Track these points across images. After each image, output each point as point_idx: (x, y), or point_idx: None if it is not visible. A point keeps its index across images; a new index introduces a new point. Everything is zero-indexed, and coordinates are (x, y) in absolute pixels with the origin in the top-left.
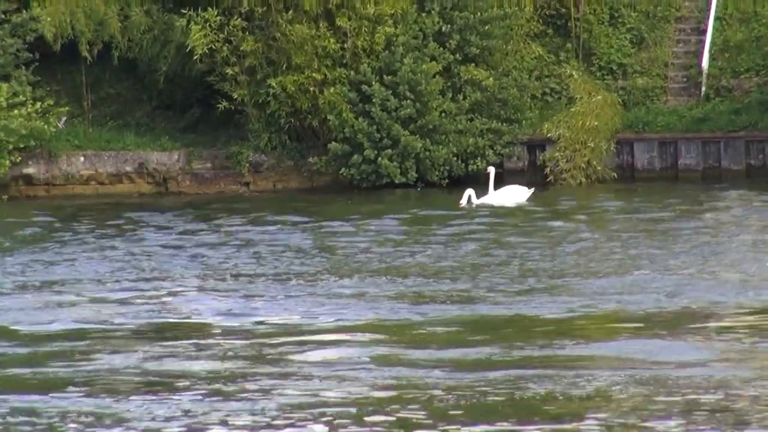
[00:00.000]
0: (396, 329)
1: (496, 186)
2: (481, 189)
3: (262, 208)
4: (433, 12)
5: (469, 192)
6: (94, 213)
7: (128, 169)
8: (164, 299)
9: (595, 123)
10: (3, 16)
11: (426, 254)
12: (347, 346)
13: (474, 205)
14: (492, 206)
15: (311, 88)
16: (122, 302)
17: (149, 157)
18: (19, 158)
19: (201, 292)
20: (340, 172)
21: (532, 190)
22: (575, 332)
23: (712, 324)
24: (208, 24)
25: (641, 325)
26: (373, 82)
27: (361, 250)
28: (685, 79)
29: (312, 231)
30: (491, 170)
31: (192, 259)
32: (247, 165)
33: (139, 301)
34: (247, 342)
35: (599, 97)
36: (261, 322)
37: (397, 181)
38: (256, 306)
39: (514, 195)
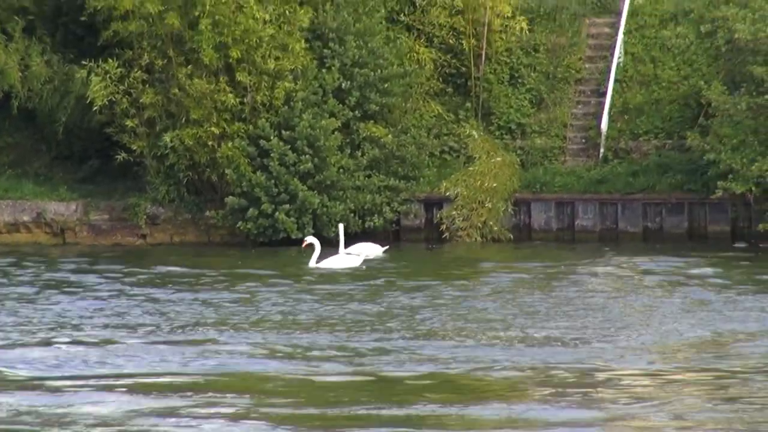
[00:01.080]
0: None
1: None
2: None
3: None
4: (333, 68)
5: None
6: None
7: (26, 218)
8: None
9: (494, 184)
10: None
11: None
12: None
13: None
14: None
15: (210, 142)
16: None
17: (47, 207)
18: None
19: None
20: (237, 225)
21: (386, 247)
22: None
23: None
24: (108, 75)
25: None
26: (272, 137)
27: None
28: (583, 140)
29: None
30: (340, 228)
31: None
32: (145, 217)
33: None
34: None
35: (498, 158)
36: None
37: (293, 237)
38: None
39: (369, 250)
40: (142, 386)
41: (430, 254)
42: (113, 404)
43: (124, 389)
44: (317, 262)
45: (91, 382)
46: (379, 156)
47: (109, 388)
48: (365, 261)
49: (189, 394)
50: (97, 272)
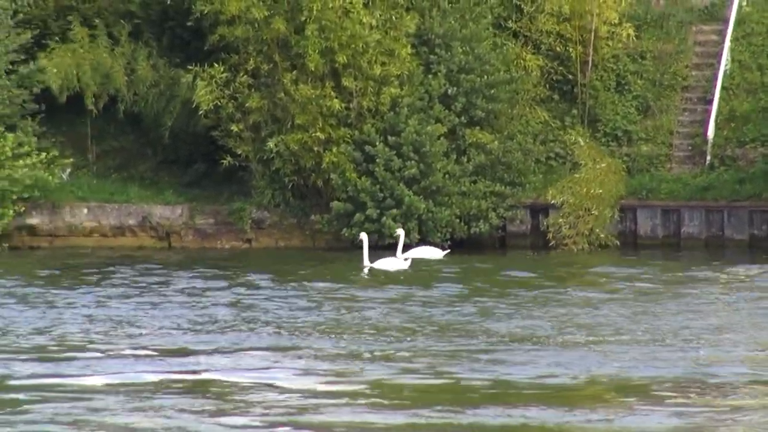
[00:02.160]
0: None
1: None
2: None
3: (258, 265)
4: (439, 74)
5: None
6: (93, 266)
7: (131, 222)
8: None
9: (599, 190)
10: (10, 66)
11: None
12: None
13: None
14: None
15: (315, 147)
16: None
17: (152, 211)
18: (23, 208)
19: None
20: (342, 231)
21: (447, 251)
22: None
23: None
24: (214, 80)
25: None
26: (378, 142)
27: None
28: (689, 148)
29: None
30: (400, 232)
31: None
32: (250, 221)
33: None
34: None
35: (604, 164)
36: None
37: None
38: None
39: (429, 253)
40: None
41: (541, 260)
42: None
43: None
44: (370, 261)
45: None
46: (485, 162)
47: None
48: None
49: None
50: (226, 278)
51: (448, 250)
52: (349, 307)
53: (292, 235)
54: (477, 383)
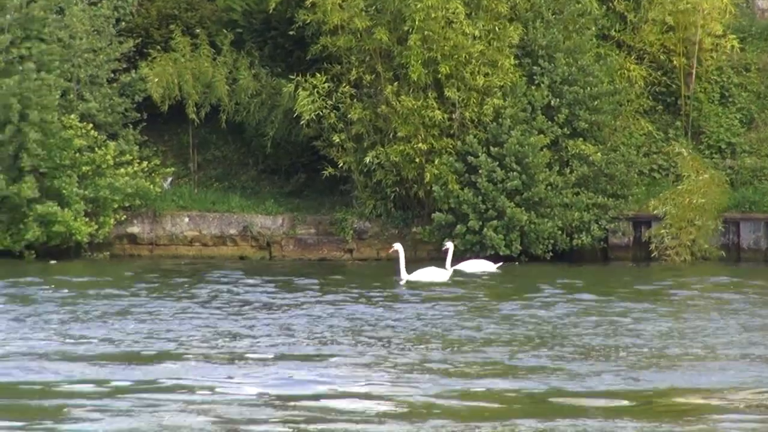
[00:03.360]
0: None
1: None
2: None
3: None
4: (542, 85)
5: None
6: (194, 275)
7: (232, 231)
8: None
9: (702, 201)
10: (112, 75)
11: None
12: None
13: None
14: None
15: (417, 158)
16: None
17: (254, 221)
18: (124, 217)
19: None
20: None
21: (499, 264)
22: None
23: None
24: (316, 90)
25: None
26: (480, 154)
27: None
28: None
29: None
30: (449, 246)
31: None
32: (351, 232)
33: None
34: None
35: (707, 175)
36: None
37: (501, 253)
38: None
39: (481, 266)
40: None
41: (643, 272)
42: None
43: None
44: (407, 273)
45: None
46: (588, 173)
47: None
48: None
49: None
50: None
51: (501, 263)
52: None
53: (390, 247)
54: None
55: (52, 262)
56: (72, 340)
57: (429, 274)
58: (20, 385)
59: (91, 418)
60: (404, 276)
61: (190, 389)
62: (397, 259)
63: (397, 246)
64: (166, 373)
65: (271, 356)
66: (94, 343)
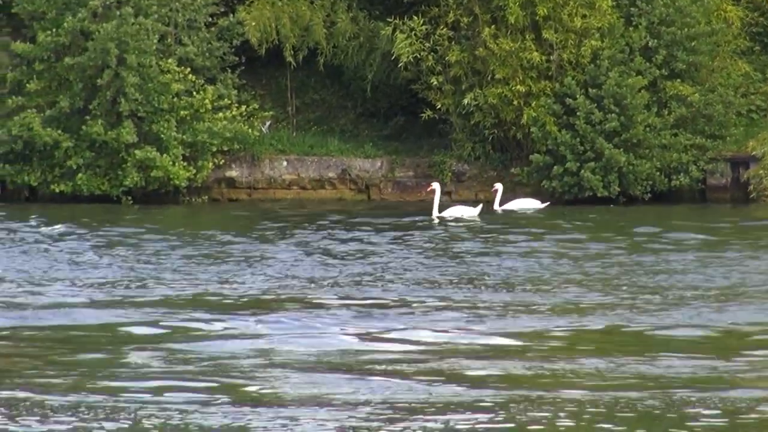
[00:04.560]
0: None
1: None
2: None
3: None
4: (640, 27)
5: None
6: (300, 218)
7: (331, 175)
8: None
9: None
10: (210, 19)
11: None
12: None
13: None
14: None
15: (515, 101)
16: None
17: (352, 164)
18: (222, 161)
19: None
20: (542, 183)
21: (547, 203)
22: None
23: None
24: (413, 33)
25: None
26: (578, 95)
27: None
28: None
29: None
30: (498, 186)
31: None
32: (450, 174)
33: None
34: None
35: None
36: None
37: (599, 195)
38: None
39: (529, 205)
40: None
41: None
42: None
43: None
44: (439, 211)
45: None
46: (686, 114)
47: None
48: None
49: None
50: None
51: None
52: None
53: (492, 187)
54: None
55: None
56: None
57: (459, 211)
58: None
59: None
60: (435, 213)
61: None
62: (433, 198)
63: (435, 185)
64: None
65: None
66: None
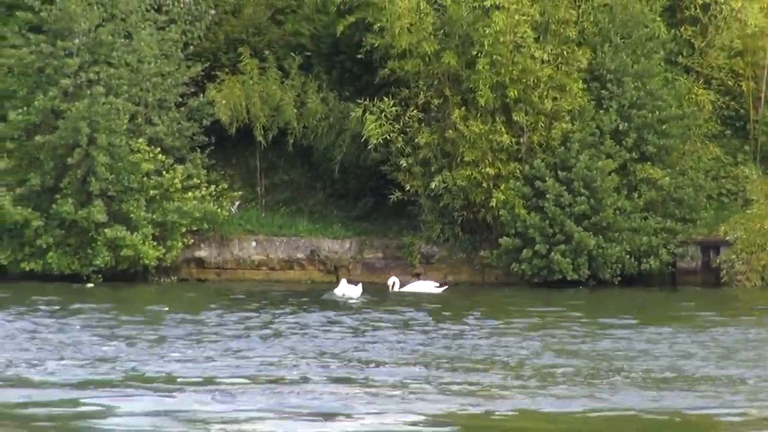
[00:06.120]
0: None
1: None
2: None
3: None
4: (610, 110)
5: (394, 279)
6: (263, 299)
7: (300, 255)
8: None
9: None
10: (180, 99)
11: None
12: None
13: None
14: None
15: (484, 183)
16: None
17: (321, 245)
18: (192, 241)
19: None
20: (511, 266)
21: (445, 287)
22: None
23: None
24: (383, 114)
25: None
26: (548, 178)
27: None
28: None
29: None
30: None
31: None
32: (419, 256)
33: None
34: None
35: None
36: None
37: (569, 278)
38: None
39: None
40: None
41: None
42: None
43: None
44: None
45: None
46: (656, 198)
47: None
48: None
49: None
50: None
51: (446, 287)
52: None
53: (461, 269)
54: None
55: (90, 285)
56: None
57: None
58: None
59: None
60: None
61: None
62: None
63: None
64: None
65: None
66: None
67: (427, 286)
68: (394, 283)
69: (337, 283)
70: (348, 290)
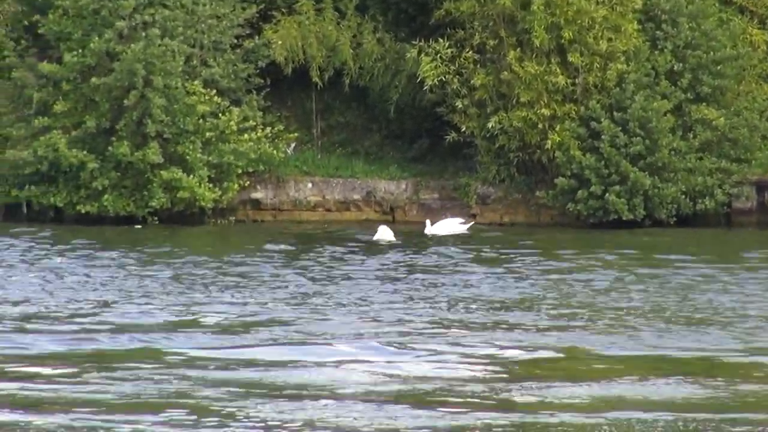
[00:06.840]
0: None
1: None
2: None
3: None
4: (665, 50)
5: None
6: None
7: (356, 196)
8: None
9: None
10: (236, 41)
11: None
12: None
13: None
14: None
15: (540, 124)
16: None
17: (377, 186)
18: (248, 182)
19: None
20: (567, 206)
21: (471, 223)
22: None
23: None
24: (439, 55)
25: None
26: (603, 119)
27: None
28: None
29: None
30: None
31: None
32: (475, 197)
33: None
34: None
35: None
36: None
37: (624, 218)
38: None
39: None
40: None
41: None
42: None
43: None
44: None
45: None
46: (711, 138)
47: None
48: None
49: None
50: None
51: (472, 223)
52: None
53: (516, 210)
54: None
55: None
56: None
57: (449, 226)
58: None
59: None
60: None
61: None
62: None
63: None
64: None
65: None
66: None
67: (452, 225)
68: (428, 224)
69: (394, 224)
70: (386, 234)
